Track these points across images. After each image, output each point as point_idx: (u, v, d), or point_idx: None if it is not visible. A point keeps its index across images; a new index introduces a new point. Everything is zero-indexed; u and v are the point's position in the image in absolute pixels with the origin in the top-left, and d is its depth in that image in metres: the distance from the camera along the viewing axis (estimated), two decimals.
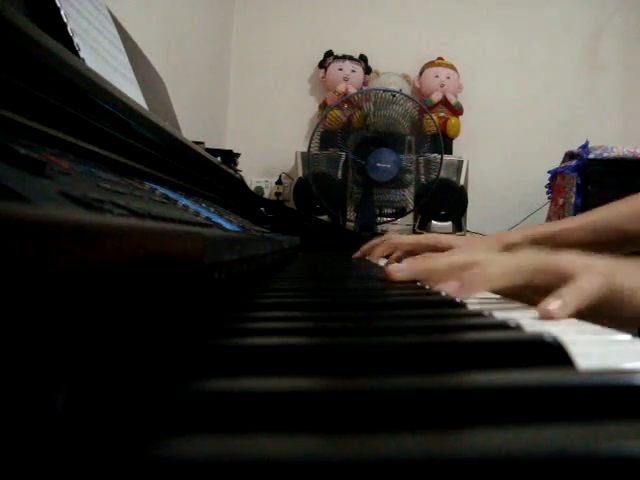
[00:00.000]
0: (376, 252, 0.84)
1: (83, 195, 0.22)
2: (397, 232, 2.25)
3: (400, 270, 0.51)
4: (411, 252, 0.78)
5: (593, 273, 0.38)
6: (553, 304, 0.34)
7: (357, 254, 0.90)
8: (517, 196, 2.62)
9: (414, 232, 2.31)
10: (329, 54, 2.81)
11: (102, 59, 0.65)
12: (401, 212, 2.22)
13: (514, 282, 0.42)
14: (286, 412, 0.14)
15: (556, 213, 2.07)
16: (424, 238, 0.77)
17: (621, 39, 2.85)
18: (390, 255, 0.84)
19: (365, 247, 0.88)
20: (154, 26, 1.63)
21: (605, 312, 0.39)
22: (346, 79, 2.73)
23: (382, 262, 0.86)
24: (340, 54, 2.78)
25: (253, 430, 0.13)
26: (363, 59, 2.81)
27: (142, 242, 0.18)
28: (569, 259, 0.41)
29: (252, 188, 2.45)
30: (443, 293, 0.43)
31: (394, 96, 2.10)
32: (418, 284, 0.52)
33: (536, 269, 0.41)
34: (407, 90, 2.69)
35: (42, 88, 0.39)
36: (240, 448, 0.12)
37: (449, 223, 2.32)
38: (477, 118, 2.79)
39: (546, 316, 0.33)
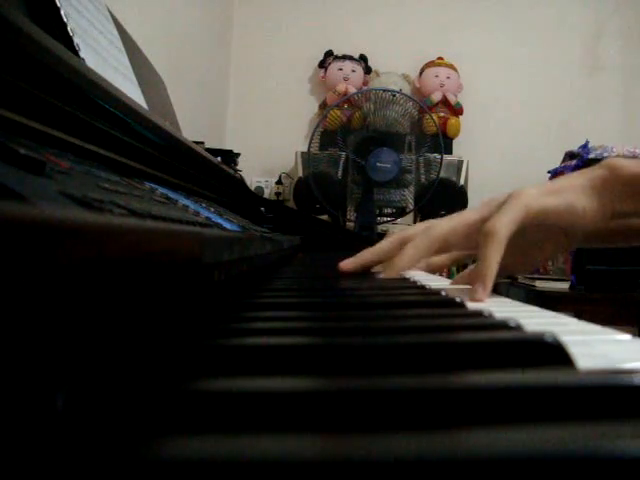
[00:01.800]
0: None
1: (83, 195, 0.22)
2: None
3: (347, 263, 0.59)
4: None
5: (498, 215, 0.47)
6: (478, 293, 0.44)
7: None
8: None
9: None
10: (329, 54, 2.81)
11: (102, 59, 0.65)
12: (401, 212, 2.22)
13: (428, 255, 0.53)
14: (286, 412, 0.14)
15: None
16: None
17: (621, 39, 2.85)
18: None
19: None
20: (154, 26, 1.63)
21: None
22: (346, 79, 2.73)
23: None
24: (340, 54, 2.79)
25: (253, 430, 0.13)
26: (363, 59, 2.81)
27: (142, 242, 0.18)
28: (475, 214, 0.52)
29: (252, 188, 2.45)
30: (443, 293, 0.43)
31: (394, 96, 2.11)
32: (418, 284, 0.52)
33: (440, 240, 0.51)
34: (407, 90, 2.69)
35: (42, 88, 0.39)
36: (240, 448, 0.12)
37: None
38: (477, 118, 2.79)
39: (475, 299, 0.43)
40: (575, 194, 0.51)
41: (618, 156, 2.03)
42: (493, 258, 0.45)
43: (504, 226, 0.46)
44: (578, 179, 0.52)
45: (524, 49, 2.84)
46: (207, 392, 0.15)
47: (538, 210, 0.49)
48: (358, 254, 0.60)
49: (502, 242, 0.46)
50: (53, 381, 0.14)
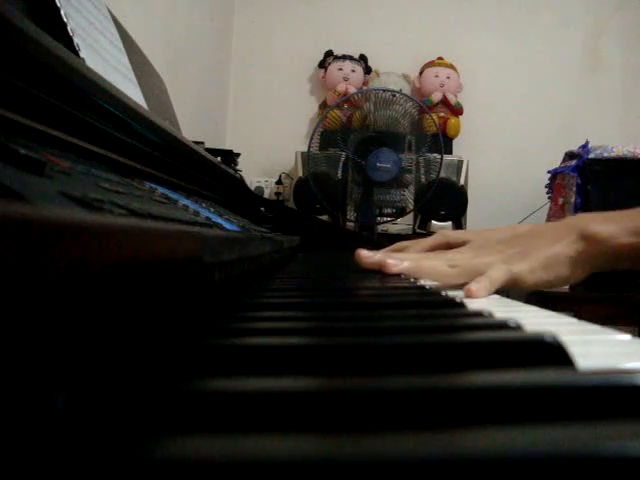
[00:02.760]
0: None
1: (83, 195, 0.22)
2: (397, 232, 2.25)
3: (369, 256, 0.62)
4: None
5: (499, 267, 0.56)
6: (474, 286, 0.50)
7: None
8: (517, 196, 2.61)
9: (414, 232, 2.31)
10: (329, 54, 2.81)
11: (102, 59, 0.65)
12: (401, 212, 2.22)
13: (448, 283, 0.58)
14: (286, 412, 0.14)
15: (556, 213, 2.07)
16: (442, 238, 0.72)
17: (621, 39, 2.85)
18: None
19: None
20: (154, 26, 1.63)
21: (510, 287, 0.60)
22: (346, 79, 2.73)
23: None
24: (340, 54, 2.78)
25: (253, 430, 0.13)
26: (363, 59, 2.81)
27: (142, 242, 0.18)
28: (484, 262, 0.59)
29: (252, 188, 2.45)
30: (443, 293, 0.43)
31: (394, 96, 2.11)
32: (418, 284, 0.52)
33: (460, 274, 0.57)
34: (407, 90, 2.69)
35: (42, 88, 0.39)
36: (240, 448, 0.12)
37: (449, 223, 2.32)
38: (477, 118, 2.79)
39: (469, 294, 0.49)
40: (564, 267, 0.59)
41: (617, 157, 2.03)
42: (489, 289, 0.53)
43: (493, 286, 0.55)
44: (565, 249, 0.60)
45: (524, 49, 2.83)
46: (207, 392, 0.15)
47: (534, 283, 0.59)
48: (385, 254, 0.64)
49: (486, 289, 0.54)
50: (54, 381, 0.14)
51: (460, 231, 0.77)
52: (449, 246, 0.70)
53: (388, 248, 0.78)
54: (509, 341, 0.21)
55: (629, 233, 0.58)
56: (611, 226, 0.59)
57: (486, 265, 0.57)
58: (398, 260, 0.60)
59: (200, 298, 0.29)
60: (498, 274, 0.55)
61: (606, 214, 0.61)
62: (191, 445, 0.12)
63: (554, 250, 0.60)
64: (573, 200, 2.04)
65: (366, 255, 0.62)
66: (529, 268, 0.58)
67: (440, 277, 0.57)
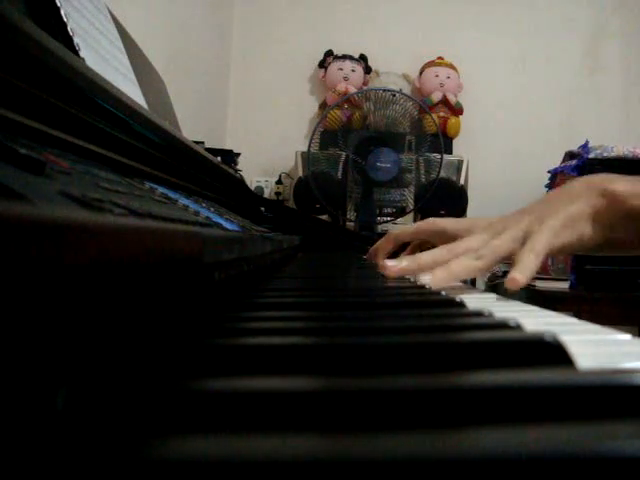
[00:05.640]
0: (379, 254, 0.76)
1: (83, 195, 0.22)
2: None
3: (392, 266, 0.56)
4: (421, 242, 0.75)
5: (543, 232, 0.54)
6: (517, 276, 0.49)
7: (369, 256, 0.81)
8: (517, 196, 2.61)
9: None
10: (329, 54, 2.81)
11: (102, 59, 0.65)
12: (401, 212, 2.22)
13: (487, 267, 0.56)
14: (286, 412, 0.14)
15: None
16: (424, 223, 0.72)
17: (621, 39, 2.85)
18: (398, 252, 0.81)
19: (372, 250, 0.81)
20: (154, 26, 1.63)
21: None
22: (346, 79, 2.73)
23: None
24: (340, 54, 2.79)
25: (253, 430, 0.13)
26: (363, 59, 2.81)
27: (142, 242, 0.18)
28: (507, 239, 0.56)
29: (252, 188, 2.45)
30: (443, 293, 0.43)
31: (394, 96, 2.11)
32: (418, 284, 0.52)
33: (490, 262, 0.55)
34: (407, 90, 2.69)
35: (42, 88, 0.39)
36: (240, 448, 0.12)
37: None
38: (477, 118, 2.79)
39: (512, 285, 0.49)
40: (584, 224, 0.57)
41: (617, 157, 2.03)
42: (530, 270, 0.52)
43: (536, 260, 0.53)
44: (582, 204, 0.57)
45: (524, 49, 2.83)
46: (207, 392, 0.15)
47: (559, 247, 0.56)
48: (411, 258, 0.58)
49: (534, 270, 0.52)
50: (53, 380, 0.14)
51: (451, 220, 0.74)
52: (441, 235, 0.68)
53: (379, 243, 0.78)
54: (509, 341, 0.21)
55: None
56: (630, 186, 0.58)
57: (512, 240, 0.55)
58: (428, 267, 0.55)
59: (200, 298, 0.29)
60: (537, 247, 0.53)
61: (622, 176, 0.60)
62: (191, 445, 0.12)
63: (572, 209, 0.57)
64: None
65: (391, 265, 0.56)
66: (553, 233, 0.55)
67: (473, 273, 0.55)
